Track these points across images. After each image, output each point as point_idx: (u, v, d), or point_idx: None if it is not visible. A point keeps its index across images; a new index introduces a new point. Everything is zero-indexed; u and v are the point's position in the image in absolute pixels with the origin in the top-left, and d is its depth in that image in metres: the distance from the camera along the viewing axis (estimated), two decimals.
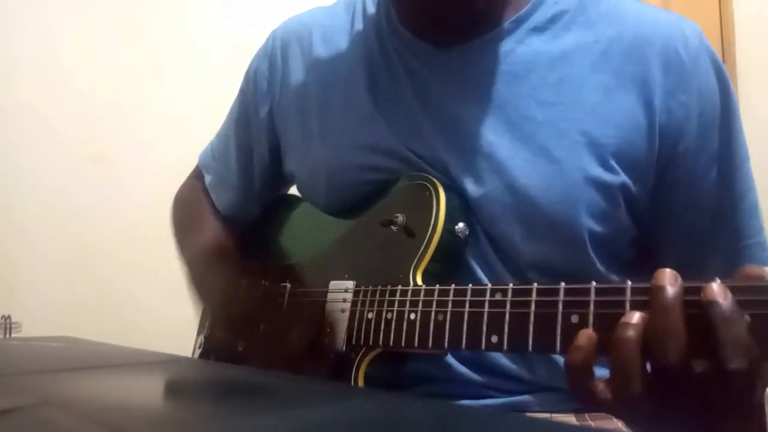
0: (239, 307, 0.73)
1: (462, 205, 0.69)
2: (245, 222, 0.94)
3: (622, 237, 0.70)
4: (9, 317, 1.64)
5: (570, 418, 0.68)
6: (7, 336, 1.62)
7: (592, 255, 0.68)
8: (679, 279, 0.45)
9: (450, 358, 0.68)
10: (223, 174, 0.94)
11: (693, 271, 0.45)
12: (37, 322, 1.65)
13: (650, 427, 0.47)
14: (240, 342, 0.73)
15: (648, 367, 0.45)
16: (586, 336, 0.47)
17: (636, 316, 0.45)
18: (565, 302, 0.50)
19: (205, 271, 0.84)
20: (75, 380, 0.49)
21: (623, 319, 0.45)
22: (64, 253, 1.74)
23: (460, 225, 0.68)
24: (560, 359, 0.67)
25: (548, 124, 0.67)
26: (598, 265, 0.69)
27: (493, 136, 0.69)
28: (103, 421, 0.33)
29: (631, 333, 0.44)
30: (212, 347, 0.88)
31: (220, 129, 0.97)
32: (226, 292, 0.76)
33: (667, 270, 0.45)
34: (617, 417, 0.53)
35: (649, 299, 0.45)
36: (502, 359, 0.68)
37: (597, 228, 0.67)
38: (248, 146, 0.91)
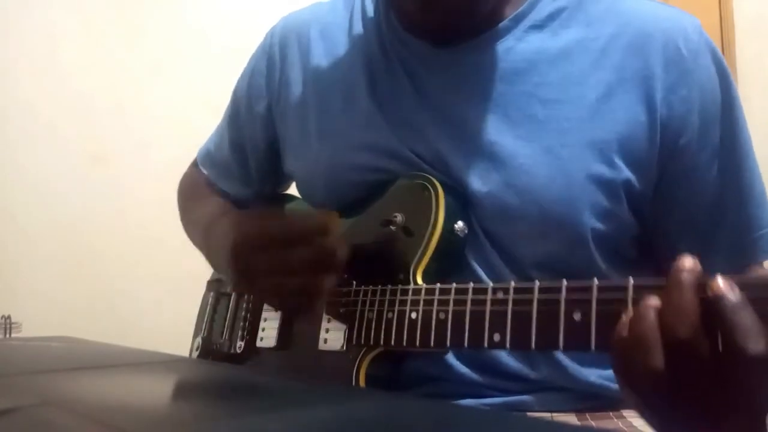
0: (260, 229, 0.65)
1: (461, 204, 0.69)
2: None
3: (624, 235, 0.70)
4: (9, 317, 1.64)
5: (571, 418, 0.68)
6: (7, 336, 1.62)
7: (595, 253, 0.68)
8: (698, 265, 0.45)
9: (451, 358, 0.68)
10: (221, 170, 0.94)
11: None
12: (37, 322, 1.65)
13: (672, 425, 0.46)
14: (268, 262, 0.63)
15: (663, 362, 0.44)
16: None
17: (654, 299, 0.45)
18: (567, 300, 0.50)
19: (215, 222, 0.80)
20: (75, 380, 0.49)
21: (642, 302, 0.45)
22: (64, 253, 1.74)
23: (460, 224, 0.68)
24: (561, 356, 0.68)
25: (550, 122, 0.67)
26: (601, 264, 0.69)
27: (495, 135, 0.68)
28: (103, 421, 0.33)
29: (649, 311, 0.44)
30: (210, 350, 0.88)
31: (218, 126, 0.97)
32: (242, 224, 0.68)
33: (689, 256, 0.45)
34: (641, 412, 0.51)
35: (664, 284, 0.45)
36: (504, 358, 0.68)
37: (600, 226, 0.67)
38: (242, 144, 0.91)
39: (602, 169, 0.66)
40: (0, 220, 1.69)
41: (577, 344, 0.50)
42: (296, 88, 0.83)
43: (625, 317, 0.46)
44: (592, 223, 0.66)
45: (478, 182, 0.68)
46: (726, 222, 0.69)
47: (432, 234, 0.67)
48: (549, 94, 0.68)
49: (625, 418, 0.68)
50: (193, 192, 0.97)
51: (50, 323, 1.57)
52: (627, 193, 0.67)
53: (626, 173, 0.67)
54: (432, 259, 0.67)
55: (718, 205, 0.69)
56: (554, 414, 0.68)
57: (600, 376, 0.69)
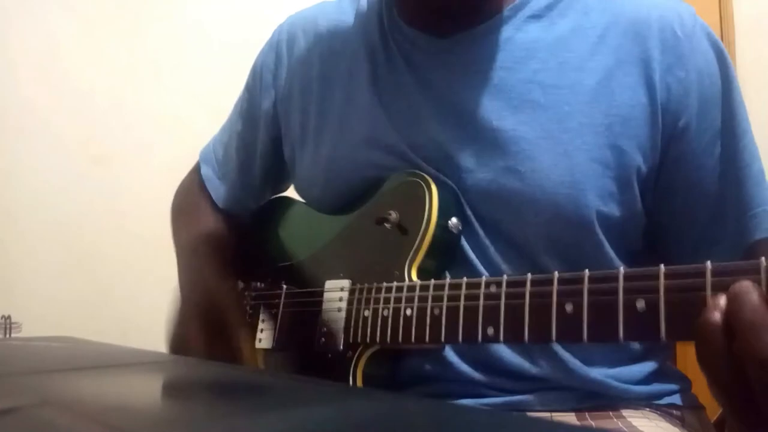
0: (204, 316, 0.73)
1: (456, 201, 0.70)
2: (242, 216, 0.94)
3: (635, 223, 0.70)
4: (9, 317, 1.64)
5: (570, 418, 0.68)
6: (7, 336, 1.62)
7: (603, 239, 0.68)
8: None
9: (450, 357, 0.69)
10: (222, 168, 0.94)
11: (699, 257, 0.45)
12: (37, 322, 1.65)
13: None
14: (193, 347, 0.72)
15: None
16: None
17: (748, 283, 0.42)
18: (559, 291, 0.51)
19: (189, 266, 0.84)
20: (75, 380, 0.49)
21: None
22: (64, 253, 1.74)
23: (453, 220, 0.69)
24: (563, 352, 0.68)
25: (551, 107, 0.68)
26: (609, 251, 0.69)
27: (497, 121, 0.69)
28: (103, 421, 0.33)
29: (751, 295, 0.41)
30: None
31: (225, 123, 0.98)
32: (199, 295, 0.77)
33: None
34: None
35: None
36: (503, 355, 0.68)
37: (606, 210, 0.67)
38: (253, 141, 0.91)
39: (606, 153, 0.67)
40: (0, 220, 1.69)
41: (569, 335, 0.50)
42: (301, 82, 0.84)
43: (713, 301, 0.42)
44: (598, 205, 0.67)
45: (481, 169, 0.69)
46: (726, 206, 0.69)
47: (425, 232, 0.67)
48: (548, 79, 0.69)
49: (625, 418, 0.68)
50: (186, 204, 0.97)
51: (50, 323, 1.57)
52: (638, 179, 0.68)
53: (632, 157, 0.67)
54: (426, 256, 0.68)
55: (718, 189, 0.69)
56: (554, 414, 0.68)
57: (602, 373, 0.69)
